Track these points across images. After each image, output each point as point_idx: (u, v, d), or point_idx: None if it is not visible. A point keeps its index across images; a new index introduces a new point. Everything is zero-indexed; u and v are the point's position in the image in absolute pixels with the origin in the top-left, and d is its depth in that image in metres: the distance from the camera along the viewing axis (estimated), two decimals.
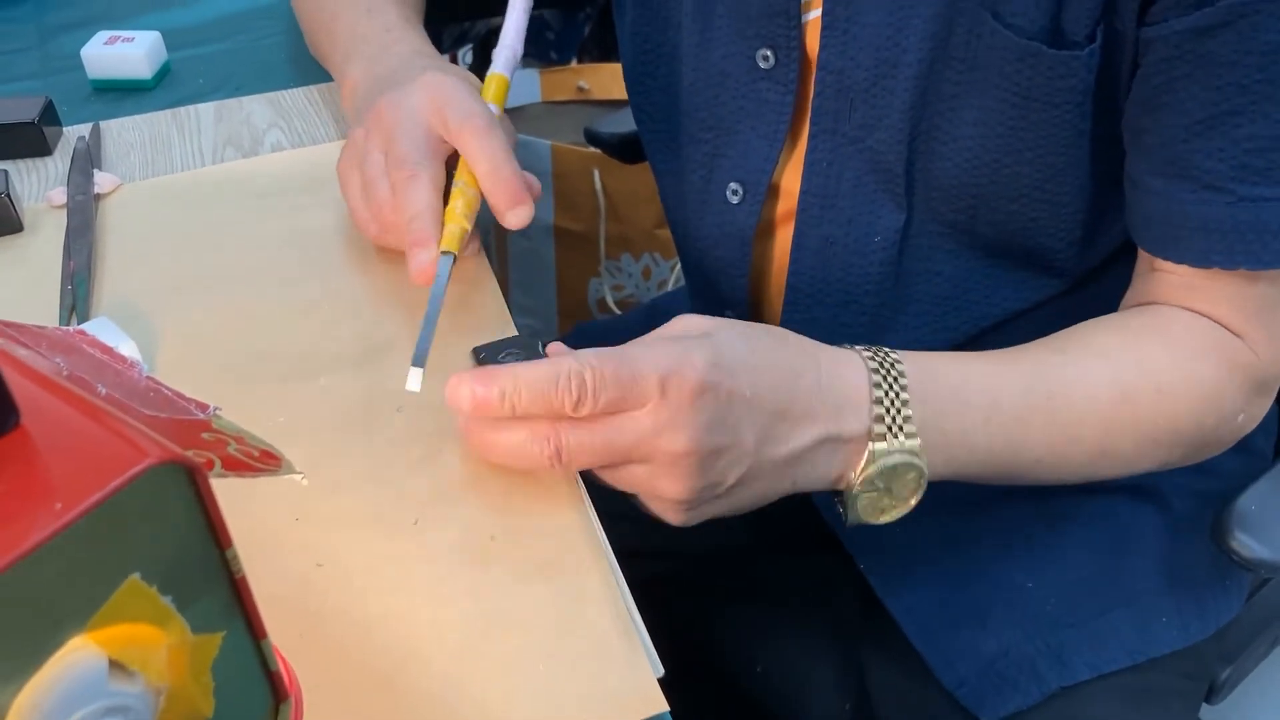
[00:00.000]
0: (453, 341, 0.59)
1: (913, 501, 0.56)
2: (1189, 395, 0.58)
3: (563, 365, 0.48)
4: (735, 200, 0.69)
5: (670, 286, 1.60)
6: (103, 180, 0.73)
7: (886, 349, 0.55)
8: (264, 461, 0.35)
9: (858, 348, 0.55)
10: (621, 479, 0.52)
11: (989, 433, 0.56)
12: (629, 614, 0.46)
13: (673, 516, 0.52)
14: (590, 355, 0.49)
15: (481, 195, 0.62)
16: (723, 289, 0.74)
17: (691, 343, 0.50)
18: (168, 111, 0.83)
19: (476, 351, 0.57)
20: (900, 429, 0.53)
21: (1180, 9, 0.52)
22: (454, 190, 0.61)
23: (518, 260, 1.63)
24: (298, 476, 0.50)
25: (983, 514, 0.71)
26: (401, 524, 0.49)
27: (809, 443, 0.52)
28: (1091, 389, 0.57)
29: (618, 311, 1.59)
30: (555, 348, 0.55)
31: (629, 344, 0.51)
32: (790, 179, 0.68)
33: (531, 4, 0.71)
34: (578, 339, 0.75)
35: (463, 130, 0.61)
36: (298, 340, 0.60)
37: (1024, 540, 0.70)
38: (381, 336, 0.60)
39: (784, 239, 0.70)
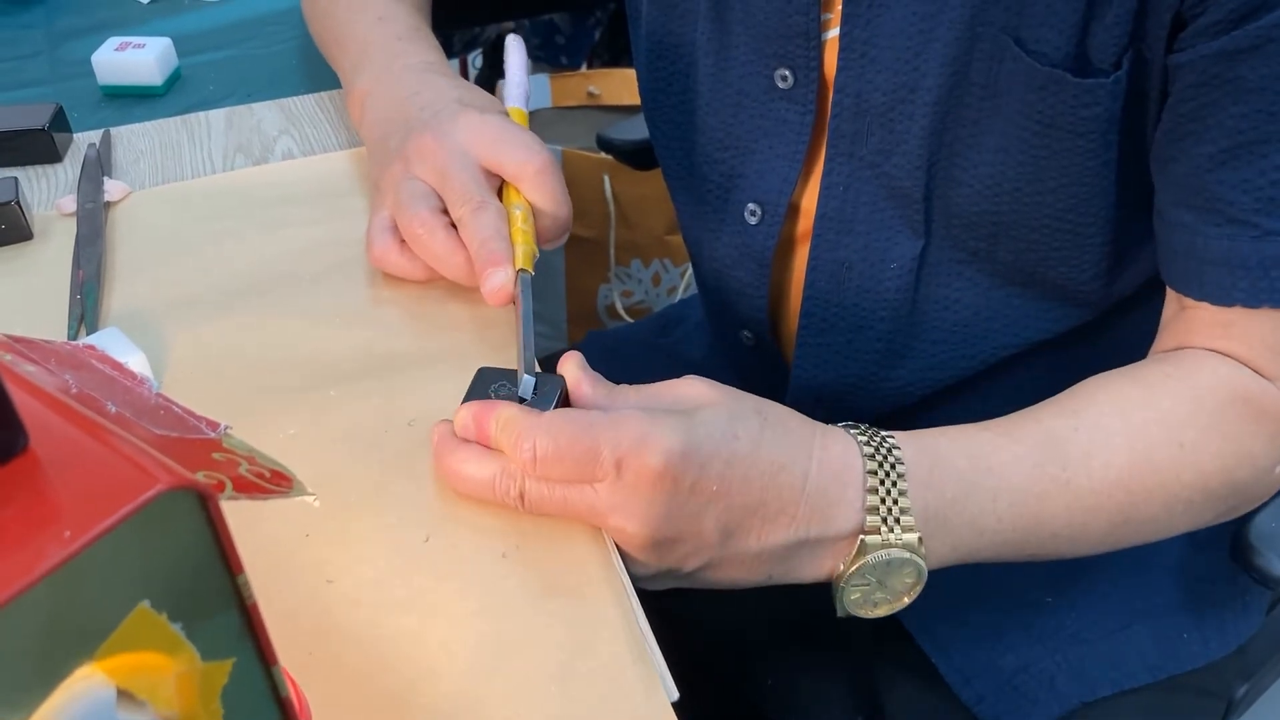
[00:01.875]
0: (471, 353, 0.59)
1: (907, 599, 0.53)
2: (1216, 450, 0.55)
3: (525, 431, 0.48)
4: (754, 221, 0.69)
5: (681, 293, 1.60)
6: (112, 188, 0.72)
7: (884, 433, 0.53)
8: (275, 483, 0.34)
9: (853, 432, 0.53)
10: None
11: (999, 513, 0.53)
12: (643, 636, 0.45)
13: (638, 569, 0.51)
14: (554, 419, 0.48)
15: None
16: (740, 310, 0.74)
17: (667, 422, 0.48)
18: (178, 118, 0.83)
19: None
20: (896, 521, 0.50)
21: (1210, 34, 0.51)
22: (516, 215, 0.61)
23: None
24: (309, 498, 0.49)
25: None
26: (412, 540, 0.49)
27: (783, 542, 0.50)
28: (1109, 453, 0.54)
29: (627, 318, 1.58)
30: (572, 359, 0.54)
31: (600, 418, 0.49)
32: (809, 199, 0.67)
33: (525, 47, 0.72)
34: (590, 348, 0.74)
35: (525, 170, 0.61)
36: (309, 351, 0.60)
37: None
38: (393, 347, 0.60)
39: (803, 260, 0.69)
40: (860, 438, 0.52)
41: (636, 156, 1.08)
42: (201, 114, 0.84)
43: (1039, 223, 0.59)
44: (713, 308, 0.80)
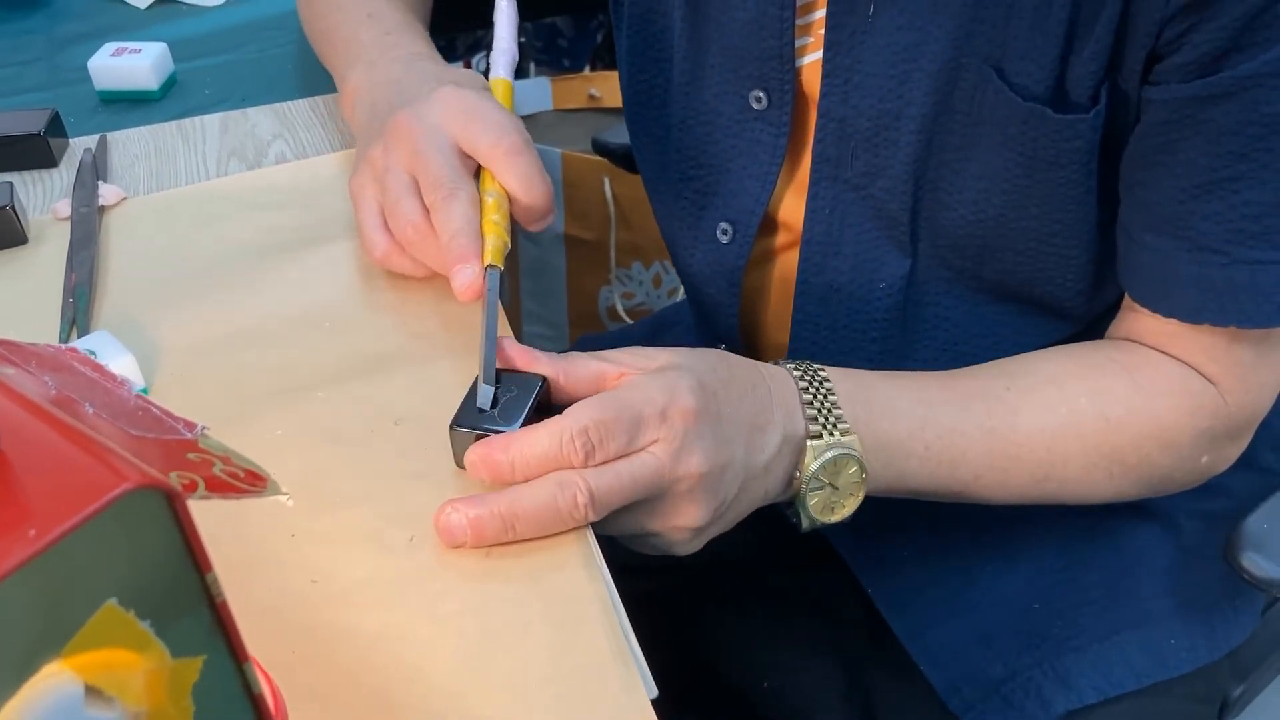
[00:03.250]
0: (461, 354, 0.60)
1: (860, 494, 0.57)
2: (1139, 431, 0.59)
3: (563, 427, 0.48)
4: (725, 239, 0.69)
5: (681, 295, 1.60)
6: (107, 193, 0.73)
7: (815, 365, 0.57)
8: (249, 482, 0.35)
9: (782, 363, 0.57)
10: (637, 520, 0.52)
11: (926, 441, 0.58)
12: (624, 635, 0.45)
13: (685, 545, 0.53)
14: (588, 409, 0.49)
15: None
16: (714, 323, 0.74)
17: (673, 374, 0.51)
18: (173, 123, 0.84)
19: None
20: (835, 426, 0.55)
21: (1184, 74, 0.51)
22: (488, 203, 0.60)
23: (529, 269, 1.63)
24: (283, 498, 0.50)
25: (988, 534, 0.70)
26: (397, 540, 0.49)
27: (775, 447, 0.54)
28: (1035, 411, 0.59)
29: (628, 320, 1.58)
30: (575, 360, 0.54)
31: (620, 388, 0.51)
32: (789, 213, 0.67)
33: (516, 9, 0.71)
34: (584, 349, 0.74)
35: (496, 151, 0.60)
36: (299, 353, 0.60)
37: (1031, 561, 0.70)
38: (382, 349, 0.60)
39: (782, 273, 0.70)
40: (789, 365, 0.57)
41: (632, 160, 1.07)
42: (197, 119, 0.84)
43: (1023, 245, 0.60)
44: (695, 317, 0.81)
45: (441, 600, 0.47)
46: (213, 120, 0.84)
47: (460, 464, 0.52)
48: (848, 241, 0.64)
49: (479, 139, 0.60)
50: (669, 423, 0.49)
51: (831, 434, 0.55)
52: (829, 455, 0.55)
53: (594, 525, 0.50)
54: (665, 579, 0.74)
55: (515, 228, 0.62)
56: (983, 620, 0.68)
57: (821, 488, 0.56)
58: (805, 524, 0.57)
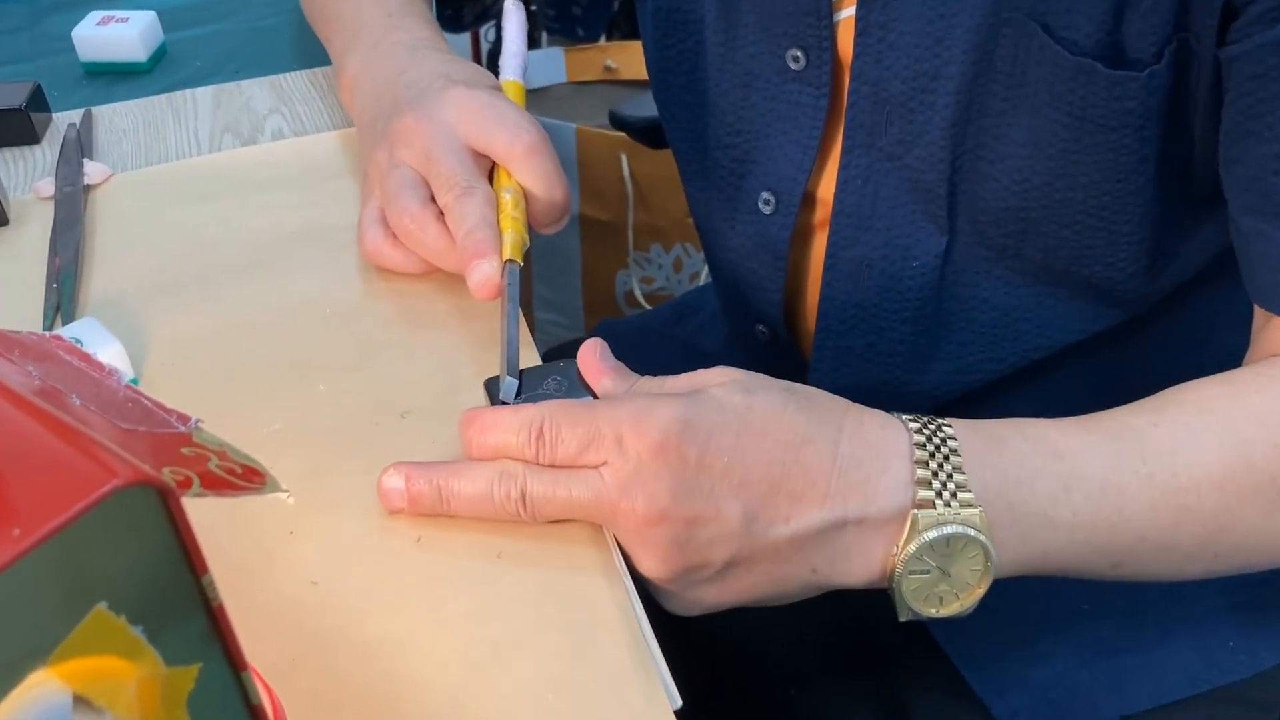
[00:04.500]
0: (466, 347, 0.59)
1: (979, 591, 0.50)
2: None
3: (528, 416, 0.49)
4: (767, 210, 0.69)
5: (704, 279, 1.59)
6: (93, 170, 0.73)
7: (936, 418, 0.51)
8: (247, 479, 0.35)
9: (896, 414, 0.52)
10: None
11: (1073, 506, 0.50)
12: (645, 641, 0.45)
13: (670, 601, 0.51)
14: (556, 407, 0.49)
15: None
16: (755, 303, 0.74)
17: (667, 400, 0.48)
18: (163, 96, 0.84)
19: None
20: (954, 495, 0.48)
21: (1266, 20, 0.49)
22: (505, 200, 0.61)
23: (541, 252, 1.63)
24: (283, 495, 0.50)
25: None
26: (403, 541, 0.49)
27: (817, 524, 0.48)
28: (1197, 448, 0.51)
29: (646, 306, 1.58)
30: (593, 347, 0.54)
31: (605, 399, 0.51)
32: (826, 189, 0.67)
33: (524, 11, 0.72)
34: (601, 337, 0.74)
35: (513, 150, 0.61)
36: (296, 341, 0.60)
37: None
38: (385, 338, 0.60)
39: (821, 252, 0.68)
40: (904, 417, 0.51)
41: (653, 135, 1.07)
42: (187, 92, 0.84)
43: (1071, 219, 0.59)
44: (727, 299, 0.80)
45: (449, 604, 0.46)
46: (205, 93, 0.84)
47: None
48: (880, 215, 0.64)
49: (495, 137, 0.61)
50: (623, 449, 0.47)
51: (949, 504, 0.48)
52: (937, 533, 0.48)
53: None
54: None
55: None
56: (1029, 622, 0.67)
57: (926, 572, 0.49)
58: (901, 611, 0.51)
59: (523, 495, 0.48)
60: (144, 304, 0.63)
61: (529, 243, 0.61)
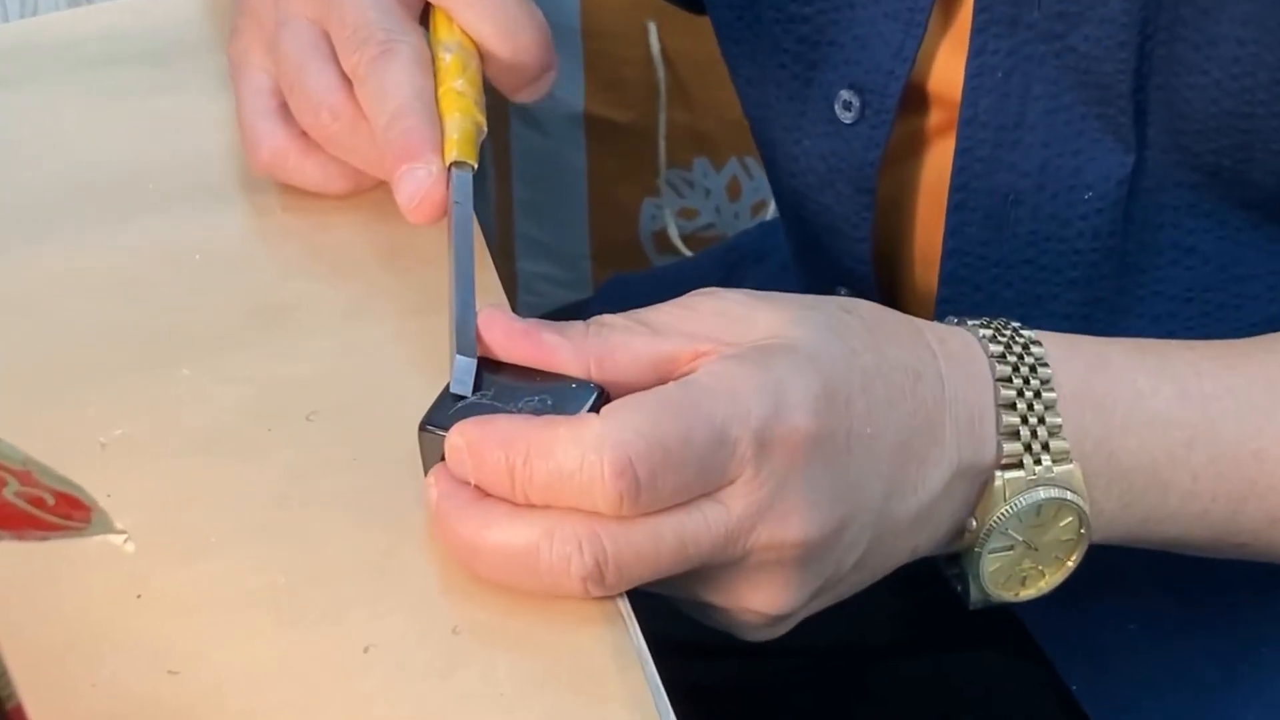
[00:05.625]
0: (417, 307, 0.57)
1: (1072, 560, 0.52)
2: None
3: (595, 446, 0.42)
4: (849, 118, 0.66)
5: (772, 211, 1.50)
6: None
7: (1014, 323, 0.52)
8: (63, 514, 0.33)
9: (966, 319, 0.53)
10: (687, 585, 0.47)
11: (1194, 468, 0.53)
12: None
13: (756, 632, 0.49)
14: (639, 418, 0.44)
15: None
16: (832, 254, 0.71)
17: (783, 362, 0.46)
18: None
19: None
20: (1045, 447, 0.50)
21: None
22: (446, 64, 0.57)
23: (526, 168, 1.55)
24: (119, 538, 0.47)
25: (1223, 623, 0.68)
26: (305, 607, 0.46)
27: (940, 488, 0.49)
28: None
29: (686, 252, 1.50)
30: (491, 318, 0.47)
31: (693, 382, 0.45)
32: (945, 88, 0.64)
33: None
34: (614, 300, 0.72)
35: None
36: (151, 305, 0.57)
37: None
38: (283, 299, 0.57)
39: (936, 175, 0.66)
40: (980, 328, 0.51)
41: None
42: None
43: None
44: (798, 245, 0.78)
45: (377, 704, 0.43)
46: None
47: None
48: (1031, 127, 0.62)
49: None
50: (766, 455, 0.44)
51: (1039, 460, 0.49)
52: (1031, 500, 0.50)
53: None
54: (720, 666, 0.73)
55: (494, 102, 0.59)
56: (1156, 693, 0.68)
57: (1009, 548, 0.51)
58: (974, 598, 0.52)
59: (599, 567, 0.44)
60: None
61: (485, 131, 0.56)
